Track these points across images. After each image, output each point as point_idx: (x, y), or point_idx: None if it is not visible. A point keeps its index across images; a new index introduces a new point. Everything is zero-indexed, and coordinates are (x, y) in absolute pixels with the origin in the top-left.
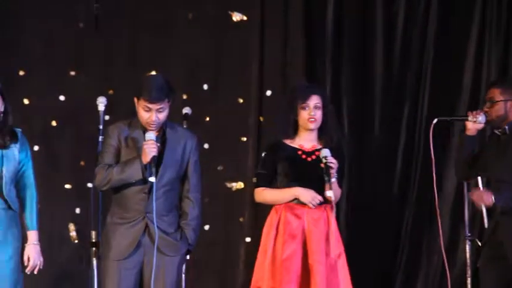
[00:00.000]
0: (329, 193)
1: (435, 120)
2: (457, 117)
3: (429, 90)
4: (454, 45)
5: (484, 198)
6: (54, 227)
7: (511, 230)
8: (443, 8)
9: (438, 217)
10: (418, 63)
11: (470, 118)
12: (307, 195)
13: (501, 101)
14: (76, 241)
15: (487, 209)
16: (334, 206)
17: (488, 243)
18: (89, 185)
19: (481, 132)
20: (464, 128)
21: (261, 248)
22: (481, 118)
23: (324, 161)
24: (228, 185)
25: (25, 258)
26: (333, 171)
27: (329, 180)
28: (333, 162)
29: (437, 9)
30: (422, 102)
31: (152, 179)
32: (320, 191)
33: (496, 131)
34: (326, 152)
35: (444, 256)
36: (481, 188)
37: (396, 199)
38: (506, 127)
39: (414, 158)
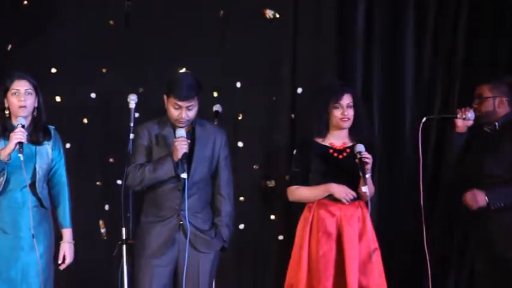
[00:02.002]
0: (364, 188)
1: (424, 119)
2: (446, 114)
3: (460, 87)
4: (485, 42)
5: (477, 199)
6: (84, 224)
7: (503, 225)
8: (474, 5)
9: (423, 213)
10: (449, 62)
11: (459, 115)
12: (341, 190)
13: (490, 97)
14: (105, 238)
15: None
16: (369, 201)
17: (481, 242)
18: (119, 182)
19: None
20: (454, 125)
21: (295, 246)
22: (470, 115)
23: (358, 156)
24: (261, 182)
25: (60, 255)
26: (368, 167)
27: (364, 176)
28: (368, 157)
29: (468, 6)
30: (453, 100)
31: (184, 175)
32: (352, 187)
33: (485, 128)
34: (360, 148)
35: (427, 252)
36: None
37: (426, 197)
38: (496, 124)
39: (444, 157)
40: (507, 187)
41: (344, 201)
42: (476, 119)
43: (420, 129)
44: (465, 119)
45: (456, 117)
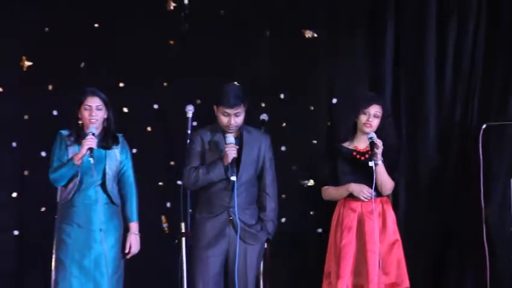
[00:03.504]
0: (371, 163)
1: (484, 126)
2: (505, 121)
3: (479, 96)
4: (502, 55)
5: None
6: (148, 219)
7: None
8: (492, 23)
9: (484, 217)
10: (469, 73)
11: None
12: (358, 189)
13: None
14: (167, 231)
15: None
16: (373, 183)
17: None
18: (179, 182)
19: None
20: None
21: (329, 239)
22: None
23: (370, 141)
24: (302, 182)
25: (127, 245)
26: (378, 151)
27: (373, 154)
28: (378, 141)
29: (486, 23)
30: (472, 113)
31: (233, 178)
32: (372, 185)
33: None
34: (371, 134)
35: (487, 251)
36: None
37: (449, 203)
38: None
39: (464, 164)
40: None
41: (362, 198)
42: None
43: (481, 135)
44: None
45: None
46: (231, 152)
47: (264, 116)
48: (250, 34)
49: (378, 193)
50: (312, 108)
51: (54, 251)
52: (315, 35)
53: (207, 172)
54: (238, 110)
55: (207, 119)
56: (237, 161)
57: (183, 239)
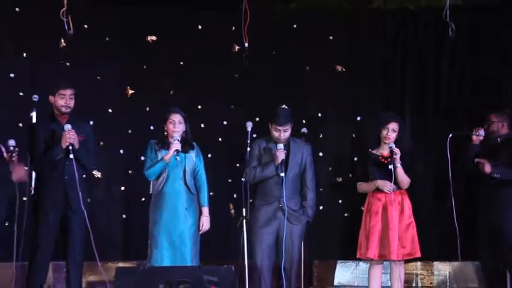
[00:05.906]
0: (390, 166)
1: (450, 135)
2: (465, 132)
3: (470, 113)
4: (490, 83)
5: (485, 166)
6: (220, 206)
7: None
8: (478, 61)
9: (455, 214)
10: (451, 103)
11: (474, 132)
12: (382, 184)
13: (495, 121)
14: (234, 215)
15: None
16: (400, 183)
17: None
18: (242, 179)
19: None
20: (471, 139)
21: (362, 221)
22: (481, 132)
23: (389, 149)
24: (334, 179)
25: (200, 225)
26: (396, 157)
27: (393, 160)
28: (396, 149)
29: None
30: (463, 122)
31: (282, 174)
32: (394, 182)
33: (491, 142)
34: (391, 144)
35: (456, 225)
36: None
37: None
38: (499, 139)
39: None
40: (507, 168)
41: (386, 190)
42: (485, 136)
43: (448, 142)
44: (478, 135)
45: (472, 134)
46: (280, 155)
47: (304, 130)
48: (294, 69)
49: (399, 187)
50: (341, 124)
51: (150, 229)
52: (344, 69)
53: (262, 170)
54: (286, 127)
55: (263, 132)
56: (285, 162)
57: (244, 221)
